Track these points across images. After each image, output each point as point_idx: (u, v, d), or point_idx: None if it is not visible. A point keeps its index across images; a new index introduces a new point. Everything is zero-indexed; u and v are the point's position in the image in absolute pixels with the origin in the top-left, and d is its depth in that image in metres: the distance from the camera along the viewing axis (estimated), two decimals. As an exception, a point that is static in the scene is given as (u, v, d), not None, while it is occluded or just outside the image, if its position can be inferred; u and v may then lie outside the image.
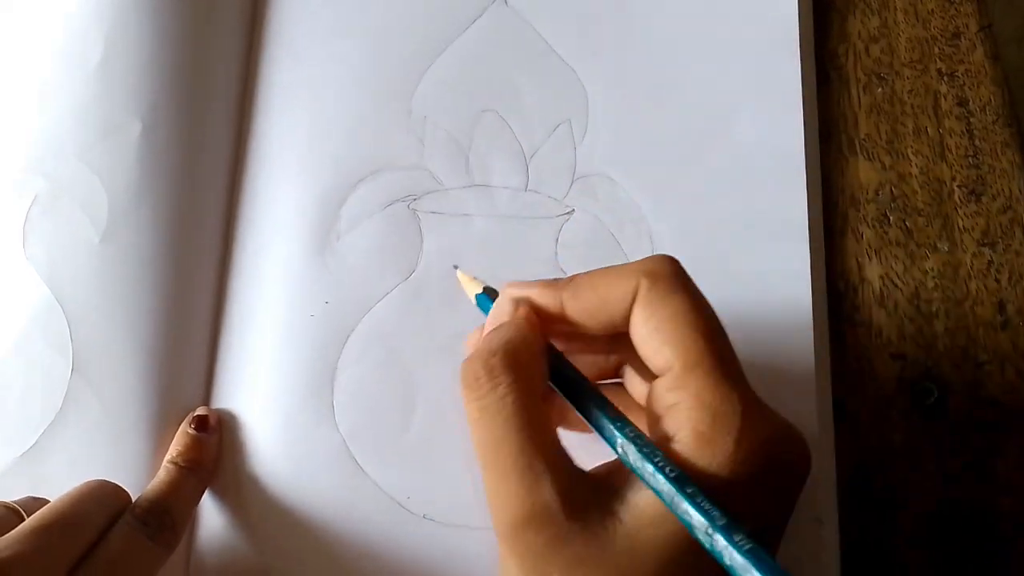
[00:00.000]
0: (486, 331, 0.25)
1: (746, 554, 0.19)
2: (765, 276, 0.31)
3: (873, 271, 0.33)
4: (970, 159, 0.34)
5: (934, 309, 0.32)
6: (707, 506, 0.20)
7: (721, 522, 0.20)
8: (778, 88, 0.33)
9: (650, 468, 0.21)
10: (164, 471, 0.30)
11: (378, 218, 0.33)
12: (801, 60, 0.34)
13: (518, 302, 0.25)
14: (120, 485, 0.29)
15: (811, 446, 0.29)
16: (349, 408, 0.31)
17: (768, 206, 0.32)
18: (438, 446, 0.31)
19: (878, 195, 0.34)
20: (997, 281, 0.32)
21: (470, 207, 0.33)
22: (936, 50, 0.35)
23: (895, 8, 0.36)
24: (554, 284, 0.25)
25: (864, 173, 0.34)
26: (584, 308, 0.24)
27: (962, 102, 0.35)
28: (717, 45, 0.34)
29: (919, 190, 0.34)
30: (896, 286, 0.32)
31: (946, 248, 0.33)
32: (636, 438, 0.22)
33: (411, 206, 0.33)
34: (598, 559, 0.21)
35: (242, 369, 0.33)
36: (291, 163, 0.34)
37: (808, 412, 0.30)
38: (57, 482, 0.31)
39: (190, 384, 0.33)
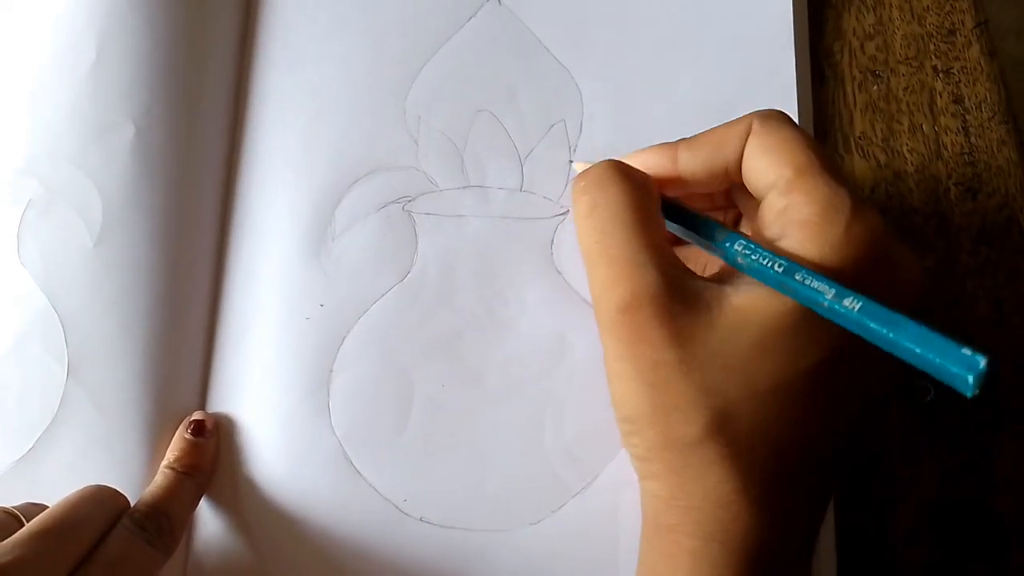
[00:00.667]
0: None
1: (859, 312, 0.20)
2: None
3: (869, 269, 0.33)
4: (966, 156, 0.34)
5: (931, 307, 0.32)
6: (817, 284, 0.21)
7: (830, 294, 0.21)
8: (773, 86, 0.33)
9: (763, 259, 0.22)
10: (162, 476, 0.30)
11: (373, 220, 0.33)
12: (796, 58, 0.33)
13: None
14: (118, 489, 0.29)
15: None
16: (345, 410, 0.31)
17: (764, 205, 0.32)
18: (435, 448, 0.31)
19: (874, 193, 0.34)
20: (993, 279, 0.32)
21: (465, 208, 0.33)
22: (932, 47, 0.35)
23: (890, 5, 0.36)
24: (668, 144, 0.26)
25: (860, 171, 0.34)
26: (699, 156, 0.26)
27: (958, 99, 0.34)
28: (712, 43, 0.34)
29: (915, 188, 0.33)
30: (892, 284, 0.32)
31: (942, 246, 0.33)
32: (745, 239, 0.23)
33: (406, 207, 0.33)
34: (702, 334, 0.22)
35: (238, 372, 0.33)
36: (285, 165, 0.34)
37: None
38: (53, 486, 0.31)
39: (186, 388, 0.33)
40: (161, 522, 0.28)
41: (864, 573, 0.30)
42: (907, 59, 0.35)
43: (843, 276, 0.21)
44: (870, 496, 0.30)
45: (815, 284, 0.21)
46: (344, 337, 0.32)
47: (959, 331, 0.31)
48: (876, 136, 0.34)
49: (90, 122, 0.34)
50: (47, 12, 0.35)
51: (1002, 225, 0.33)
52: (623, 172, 0.25)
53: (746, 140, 0.25)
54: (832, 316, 0.21)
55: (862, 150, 0.34)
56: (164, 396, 0.32)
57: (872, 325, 0.20)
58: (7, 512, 0.27)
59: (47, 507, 0.27)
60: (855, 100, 0.35)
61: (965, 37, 0.35)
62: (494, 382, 0.31)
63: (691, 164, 0.26)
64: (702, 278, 0.24)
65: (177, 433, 0.31)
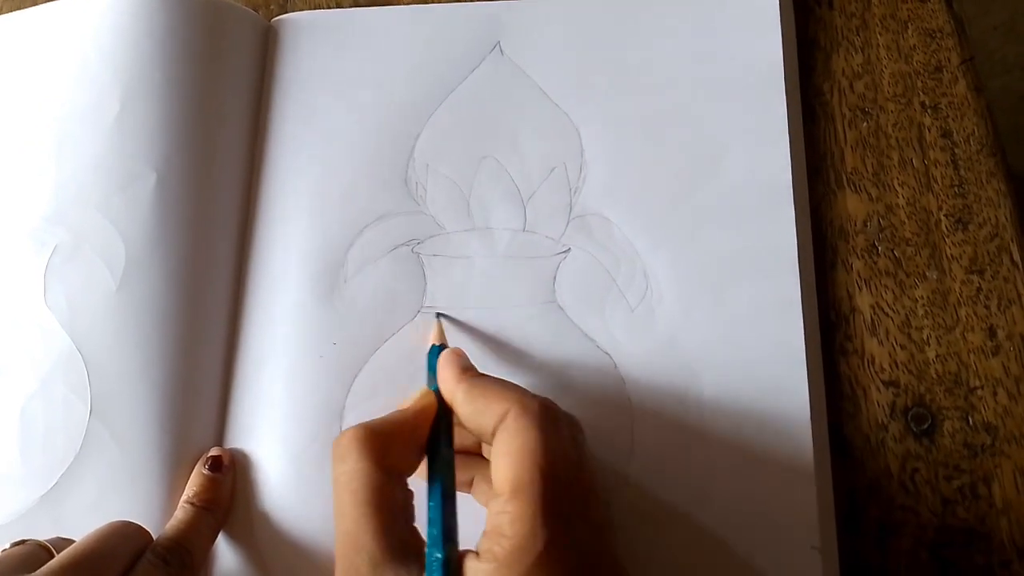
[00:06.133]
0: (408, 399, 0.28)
1: None
2: (757, 309, 0.32)
3: (864, 301, 0.34)
4: (956, 189, 0.35)
5: (925, 336, 0.33)
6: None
7: None
8: (766, 126, 0.34)
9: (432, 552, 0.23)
10: (182, 511, 0.31)
11: (383, 261, 0.35)
12: (787, 99, 0.35)
13: (426, 393, 0.28)
14: (142, 525, 0.30)
15: (807, 477, 0.30)
16: (357, 445, 0.32)
17: (759, 241, 0.33)
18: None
19: (866, 226, 0.35)
20: (987, 307, 0.33)
21: (471, 249, 0.34)
22: (919, 84, 0.36)
23: (878, 45, 0.37)
24: (459, 376, 0.27)
25: (852, 205, 0.35)
26: (467, 407, 0.26)
27: (946, 133, 0.36)
28: (706, 87, 0.35)
29: (907, 220, 0.34)
30: (887, 315, 0.33)
31: (935, 276, 0.34)
32: (436, 559, 0.24)
33: (415, 249, 0.35)
34: None
35: (254, 409, 0.34)
36: (299, 209, 0.36)
37: (804, 442, 0.30)
38: (77, 522, 0.32)
39: (204, 425, 0.34)
40: (183, 555, 0.29)
41: (867, 600, 0.30)
42: (895, 96, 0.36)
43: None
44: (869, 524, 0.31)
45: None
46: (356, 374, 0.33)
47: (954, 359, 0.32)
48: (867, 171, 0.35)
49: (114, 172, 0.35)
50: (73, 67, 0.37)
51: (993, 254, 0.34)
52: (365, 447, 0.25)
53: (499, 425, 0.25)
54: None
55: (854, 185, 0.35)
56: (183, 433, 0.33)
57: None
58: (39, 545, 0.28)
59: (75, 541, 0.28)
60: (846, 137, 0.36)
61: (951, 74, 0.36)
62: (501, 416, 0.32)
63: (462, 408, 0.27)
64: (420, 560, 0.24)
65: (195, 469, 0.32)
